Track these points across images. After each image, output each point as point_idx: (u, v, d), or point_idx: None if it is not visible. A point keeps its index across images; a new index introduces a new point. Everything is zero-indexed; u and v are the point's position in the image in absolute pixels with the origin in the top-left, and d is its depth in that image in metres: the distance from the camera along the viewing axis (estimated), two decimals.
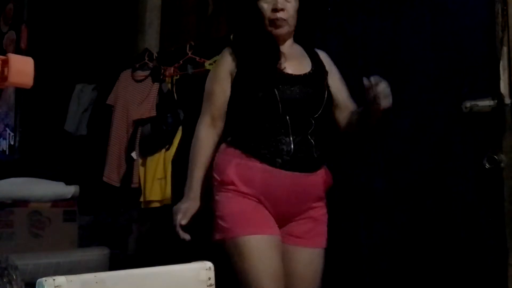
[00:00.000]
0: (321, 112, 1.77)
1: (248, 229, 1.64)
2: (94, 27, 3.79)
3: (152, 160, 3.06)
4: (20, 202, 3.18)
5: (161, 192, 3.01)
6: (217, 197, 1.76)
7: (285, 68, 1.74)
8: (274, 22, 1.76)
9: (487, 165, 1.95)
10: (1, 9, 4.75)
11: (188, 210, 1.74)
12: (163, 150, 3.04)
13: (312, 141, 1.73)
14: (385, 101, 1.67)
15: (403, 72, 2.27)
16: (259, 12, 1.76)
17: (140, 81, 3.20)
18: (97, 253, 3.16)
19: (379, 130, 2.30)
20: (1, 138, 4.50)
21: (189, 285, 1.19)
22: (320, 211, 1.80)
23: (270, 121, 1.69)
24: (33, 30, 4.40)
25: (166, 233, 3.16)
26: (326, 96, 1.79)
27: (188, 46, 3.04)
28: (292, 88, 1.72)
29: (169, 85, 3.11)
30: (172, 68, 3.11)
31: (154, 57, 3.25)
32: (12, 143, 4.40)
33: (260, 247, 1.63)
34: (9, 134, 4.42)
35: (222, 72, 1.78)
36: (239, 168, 1.69)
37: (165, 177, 3.02)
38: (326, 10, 2.55)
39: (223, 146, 1.78)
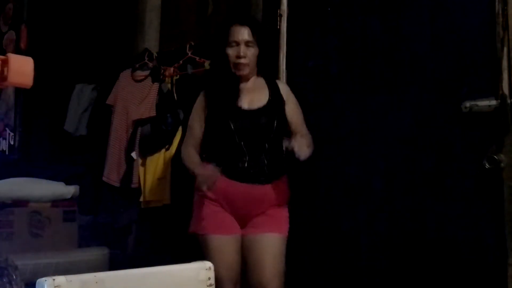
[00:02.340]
0: (272, 137, 2.18)
1: (212, 229, 2.14)
2: (94, 27, 3.79)
3: (152, 160, 3.06)
4: (20, 202, 3.18)
5: (161, 192, 3.01)
6: (194, 199, 2.28)
7: (242, 104, 2.19)
8: (237, 66, 2.20)
9: (487, 165, 1.95)
10: (1, 9, 4.75)
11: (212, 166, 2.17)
12: (163, 150, 3.04)
13: (265, 160, 2.15)
14: (301, 155, 2.06)
15: (403, 72, 2.27)
16: (226, 57, 2.21)
17: (140, 81, 3.20)
18: (97, 253, 3.16)
19: (379, 130, 2.30)
20: (1, 138, 4.50)
21: (189, 285, 1.19)
22: (277, 211, 2.18)
23: (230, 146, 2.16)
24: (33, 30, 4.39)
25: (166, 233, 3.16)
26: (275, 125, 2.19)
27: (188, 46, 3.04)
28: (246, 121, 2.17)
29: (169, 85, 3.11)
30: (172, 68, 3.11)
31: (154, 57, 3.25)
32: (12, 143, 4.39)
33: (219, 244, 2.12)
34: (9, 134, 4.42)
35: (198, 110, 2.29)
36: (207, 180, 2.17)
37: (165, 177, 3.02)
38: (326, 10, 2.55)
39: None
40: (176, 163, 3.01)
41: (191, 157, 2.28)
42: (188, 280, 1.20)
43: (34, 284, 1.01)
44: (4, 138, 4.46)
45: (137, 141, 3.11)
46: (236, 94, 2.21)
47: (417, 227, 2.18)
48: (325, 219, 2.46)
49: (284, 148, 2.14)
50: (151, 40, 3.38)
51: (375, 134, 2.33)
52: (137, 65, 3.25)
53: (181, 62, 3.07)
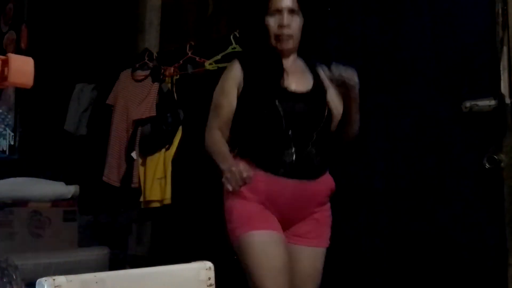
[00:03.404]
0: (322, 126, 1.85)
1: (252, 226, 1.72)
2: (94, 27, 3.79)
3: (152, 160, 3.06)
4: (20, 202, 3.18)
5: (161, 192, 3.01)
6: (226, 204, 1.85)
7: (288, 84, 1.83)
8: (279, 38, 1.84)
9: (487, 165, 1.95)
10: (1, 9, 4.75)
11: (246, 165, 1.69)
12: (163, 150, 3.04)
13: (313, 151, 1.81)
14: (350, 77, 1.72)
15: (403, 72, 2.27)
16: (265, 27, 1.84)
17: (140, 81, 3.20)
18: (97, 253, 3.16)
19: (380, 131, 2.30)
20: (1, 138, 4.50)
21: (189, 285, 1.19)
22: (323, 214, 1.87)
23: (274, 134, 1.78)
24: (33, 30, 4.40)
25: (166, 233, 3.17)
26: (326, 112, 1.87)
27: (188, 46, 3.04)
28: (295, 105, 1.81)
29: (169, 85, 3.11)
30: (172, 68, 3.11)
31: (154, 57, 3.26)
32: (12, 143, 4.40)
33: (263, 242, 1.70)
34: (9, 134, 4.42)
35: (229, 86, 1.86)
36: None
37: (165, 177, 3.02)
38: (326, 10, 2.55)
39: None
40: (177, 163, 3.02)
41: (218, 145, 1.81)
42: (188, 280, 1.20)
43: (34, 284, 1.01)
44: (4, 138, 4.46)
45: (137, 141, 3.11)
46: (280, 71, 1.83)
47: (417, 227, 2.18)
48: None
49: (327, 76, 1.77)
50: (151, 40, 3.39)
51: (375, 134, 2.33)
52: (137, 65, 3.26)
53: (181, 62, 3.07)
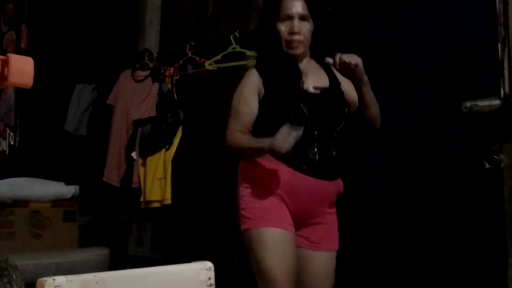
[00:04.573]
0: (342, 125, 1.91)
1: (270, 222, 1.80)
2: (94, 27, 3.79)
3: (152, 160, 3.06)
4: (20, 202, 3.18)
5: (161, 192, 3.01)
6: (241, 190, 1.90)
7: (308, 86, 1.88)
8: (290, 44, 1.89)
9: (487, 165, 1.95)
10: (1, 9, 4.75)
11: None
12: (163, 150, 3.04)
13: (333, 152, 1.90)
14: (350, 58, 1.77)
15: (403, 72, 2.27)
16: (277, 33, 1.89)
17: (140, 81, 3.20)
18: (97, 253, 3.17)
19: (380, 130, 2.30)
20: (1, 138, 4.50)
21: (189, 285, 1.19)
22: (332, 216, 1.93)
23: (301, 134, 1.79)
24: (33, 30, 4.39)
25: (166, 233, 3.17)
26: (347, 110, 1.93)
27: (188, 46, 3.04)
28: (317, 105, 1.87)
29: (169, 85, 3.11)
30: (172, 68, 3.11)
31: (154, 57, 3.26)
32: (12, 143, 4.40)
33: (277, 239, 1.79)
34: (9, 134, 4.42)
35: (250, 93, 1.90)
36: (268, 169, 1.83)
37: (165, 177, 3.02)
38: (326, 10, 2.55)
39: None
40: (177, 163, 3.02)
41: (245, 139, 1.86)
42: (188, 280, 1.20)
43: (34, 284, 1.01)
44: (4, 138, 4.46)
45: (137, 141, 3.11)
46: (298, 74, 1.88)
47: (417, 227, 2.18)
48: None
49: (329, 63, 1.82)
50: (151, 40, 3.39)
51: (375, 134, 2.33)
52: (137, 65, 3.26)
53: (181, 62, 3.07)
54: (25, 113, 4.36)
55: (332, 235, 1.92)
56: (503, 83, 1.96)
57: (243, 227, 1.85)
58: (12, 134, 4.40)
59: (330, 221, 1.92)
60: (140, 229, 3.27)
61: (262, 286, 1.80)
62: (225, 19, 3.01)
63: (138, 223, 3.26)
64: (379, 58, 2.35)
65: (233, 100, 1.95)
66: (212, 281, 1.21)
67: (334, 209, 1.94)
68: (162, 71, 3.13)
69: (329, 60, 1.81)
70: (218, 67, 2.87)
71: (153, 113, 3.06)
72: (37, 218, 3.18)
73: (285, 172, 1.82)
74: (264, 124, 1.88)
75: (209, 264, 1.22)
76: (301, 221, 1.87)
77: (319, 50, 1.99)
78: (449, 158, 2.11)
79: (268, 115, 1.88)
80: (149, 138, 3.09)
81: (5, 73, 1.04)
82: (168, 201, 3.01)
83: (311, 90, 1.88)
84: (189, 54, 3.03)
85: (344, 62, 1.76)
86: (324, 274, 1.89)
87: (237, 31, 2.82)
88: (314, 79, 1.91)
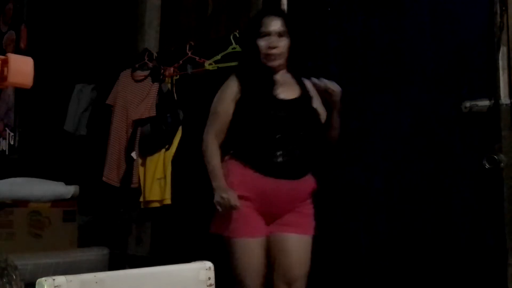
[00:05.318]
0: (306, 130, 2.10)
1: (242, 232, 2.02)
2: (94, 27, 3.79)
3: (152, 160, 3.06)
4: (20, 202, 3.18)
5: (161, 192, 3.01)
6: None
7: (278, 94, 2.09)
8: (268, 57, 2.12)
9: (487, 165, 1.95)
10: (1, 9, 4.75)
11: (234, 193, 2.02)
12: (163, 150, 3.04)
13: (298, 154, 2.07)
14: (332, 86, 2.02)
15: (403, 72, 2.27)
16: (257, 48, 2.13)
17: (140, 81, 3.20)
18: (97, 253, 3.16)
19: (380, 130, 2.30)
20: (1, 138, 4.50)
21: (189, 285, 1.19)
22: (305, 208, 2.10)
23: (265, 139, 2.05)
24: (33, 30, 4.39)
25: (166, 233, 3.17)
26: (310, 117, 2.13)
27: (188, 46, 3.04)
28: (283, 112, 2.08)
29: (169, 85, 3.11)
30: (172, 68, 3.11)
31: (154, 57, 3.26)
32: (12, 143, 4.40)
33: (247, 248, 2.02)
34: (9, 134, 4.42)
35: (228, 97, 2.13)
36: (239, 176, 2.06)
37: (165, 177, 3.02)
38: (326, 10, 2.55)
39: (227, 157, 2.13)
40: (176, 163, 3.02)
41: (214, 158, 2.10)
42: (188, 280, 1.20)
43: (34, 284, 1.01)
44: (4, 138, 4.46)
45: (137, 141, 3.11)
46: (271, 83, 2.12)
47: (417, 227, 2.18)
48: (325, 219, 2.46)
49: (312, 86, 2.07)
50: (151, 40, 3.39)
51: (375, 134, 2.33)
52: (137, 65, 3.26)
53: (181, 62, 3.07)
54: (25, 113, 4.36)
55: (305, 221, 2.09)
56: (499, 82, 1.97)
57: (213, 228, 2.11)
58: (12, 134, 4.40)
59: (303, 210, 2.08)
60: (139, 229, 3.26)
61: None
62: (225, 19, 3.01)
63: (138, 223, 3.26)
64: (379, 58, 2.35)
65: (213, 103, 2.18)
66: (212, 281, 1.21)
67: (308, 201, 2.10)
68: (162, 71, 3.13)
69: (315, 80, 2.03)
70: (218, 67, 2.86)
71: (152, 113, 3.06)
72: (37, 218, 3.18)
73: (253, 177, 2.03)
74: (237, 128, 2.11)
75: (209, 264, 1.22)
76: (273, 218, 2.07)
77: (297, 64, 2.21)
78: (449, 158, 2.11)
79: (241, 120, 2.10)
80: (149, 138, 3.09)
81: (5, 73, 1.04)
82: (168, 201, 3.01)
83: (281, 97, 2.09)
84: (189, 54, 3.03)
85: (326, 86, 2.00)
86: (296, 255, 2.05)
87: (237, 31, 2.82)
88: (285, 89, 2.12)
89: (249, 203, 2.02)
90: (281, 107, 2.08)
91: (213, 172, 2.08)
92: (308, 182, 2.10)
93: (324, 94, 2.05)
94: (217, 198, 2.01)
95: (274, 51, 2.11)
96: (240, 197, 2.01)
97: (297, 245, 2.06)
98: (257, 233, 2.04)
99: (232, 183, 2.05)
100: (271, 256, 2.06)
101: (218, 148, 2.13)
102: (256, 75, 2.14)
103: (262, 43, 2.12)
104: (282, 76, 2.17)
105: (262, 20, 2.15)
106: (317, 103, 2.16)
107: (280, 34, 2.12)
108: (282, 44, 2.12)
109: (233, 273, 2.05)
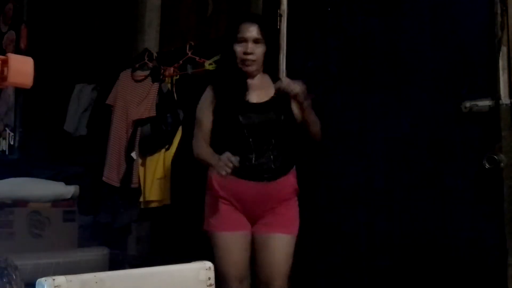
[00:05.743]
0: (279, 133, 2.16)
1: (224, 227, 2.14)
2: (94, 27, 3.79)
3: (152, 160, 3.06)
4: (20, 202, 3.18)
5: (161, 192, 3.01)
6: (206, 198, 2.26)
7: (250, 99, 2.18)
8: (244, 62, 2.19)
9: (487, 165, 1.95)
10: (1, 9, 4.75)
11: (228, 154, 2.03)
12: (163, 150, 3.04)
13: (272, 156, 2.14)
14: (293, 87, 2.07)
15: (403, 72, 2.27)
16: (233, 53, 2.20)
17: (140, 81, 3.20)
18: (97, 253, 3.16)
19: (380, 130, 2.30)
20: (1, 138, 4.50)
21: (189, 285, 1.19)
22: (285, 208, 2.17)
23: (238, 142, 2.13)
24: (33, 30, 4.39)
25: (166, 233, 3.17)
26: (283, 118, 2.17)
27: (188, 46, 3.04)
28: (255, 116, 2.15)
29: (169, 85, 3.11)
30: (172, 68, 3.11)
31: (154, 57, 3.25)
32: (12, 143, 4.40)
33: (226, 241, 2.13)
34: (9, 134, 4.42)
35: (206, 104, 2.25)
36: (219, 179, 2.13)
37: (165, 177, 3.02)
38: (326, 10, 2.55)
39: None
40: (176, 163, 3.02)
41: (204, 149, 2.21)
42: (188, 280, 1.20)
43: (34, 284, 1.01)
44: (4, 138, 4.46)
45: (137, 141, 3.11)
46: (244, 88, 2.20)
47: (417, 227, 2.18)
48: (325, 219, 2.46)
49: (275, 90, 2.14)
50: (151, 40, 3.38)
51: (375, 134, 2.33)
52: (137, 65, 3.25)
53: (181, 62, 3.07)
54: (25, 113, 4.36)
55: (286, 221, 2.16)
56: (499, 82, 1.97)
57: (204, 227, 2.21)
58: (12, 134, 4.40)
59: (284, 212, 2.15)
60: (140, 229, 3.26)
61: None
62: (225, 19, 3.01)
63: (137, 223, 3.26)
64: (379, 58, 2.35)
65: (196, 112, 2.30)
66: (212, 281, 1.22)
67: (290, 202, 2.18)
68: (162, 71, 3.13)
69: (278, 83, 2.13)
70: None
71: (152, 113, 3.06)
72: (37, 218, 3.18)
73: (230, 180, 2.08)
74: (215, 133, 2.22)
75: (209, 264, 1.23)
76: (254, 219, 2.16)
77: (273, 68, 2.34)
78: (449, 158, 2.11)
79: (216, 125, 2.21)
80: (149, 138, 3.09)
81: (5, 73, 1.04)
82: (168, 201, 3.01)
83: (252, 101, 2.17)
84: (189, 54, 3.03)
85: (284, 88, 2.07)
86: (277, 253, 2.12)
87: None
88: (258, 92, 2.20)
89: (229, 204, 2.14)
90: (252, 111, 2.16)
91: (207, 157, 2.15)
92: (286, 183, 2.17)
93: (287, 94, 2.10)
94: (217, 168, 2.00)
95: (250, 57, 2.18)
96: (221, 198, 2.15)
97: (275, 244, 2.12)
98: (238, 228, 2.14)
99: (212, 186, 2.17)
100: (255, 256, 2.15)
101: (207, 145, 2.21)
102: (230, 80, 2.22)
103: (239, 48, 2.19)
104: (260, 80, 2.25)
105: (240, 26, 2.21)
106: (292, 103, 2.20)
107: (256, 41, 2.19)
108: (258, 51, 2.20)
109: (216, 267, 2.09)
